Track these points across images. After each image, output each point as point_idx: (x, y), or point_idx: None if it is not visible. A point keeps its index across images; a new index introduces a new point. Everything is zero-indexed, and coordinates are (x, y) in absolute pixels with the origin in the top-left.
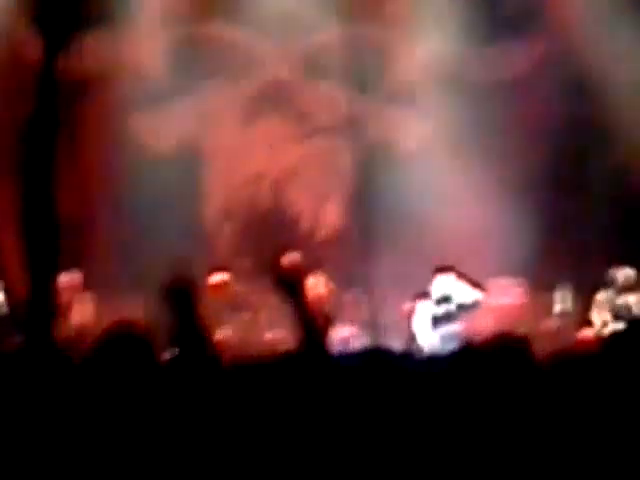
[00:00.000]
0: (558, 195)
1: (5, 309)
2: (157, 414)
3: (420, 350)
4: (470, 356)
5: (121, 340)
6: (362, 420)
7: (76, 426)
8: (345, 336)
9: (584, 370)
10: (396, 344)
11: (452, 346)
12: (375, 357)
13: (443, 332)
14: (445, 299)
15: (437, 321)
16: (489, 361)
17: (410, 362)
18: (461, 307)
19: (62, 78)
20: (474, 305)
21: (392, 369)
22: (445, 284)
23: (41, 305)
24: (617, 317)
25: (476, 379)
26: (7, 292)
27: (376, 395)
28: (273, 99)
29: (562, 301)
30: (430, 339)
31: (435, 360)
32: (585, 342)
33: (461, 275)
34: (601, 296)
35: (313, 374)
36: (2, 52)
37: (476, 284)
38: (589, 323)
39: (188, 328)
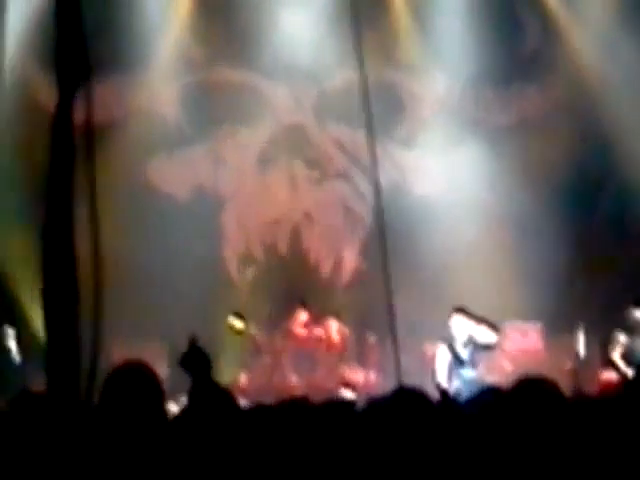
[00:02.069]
0: (574, 238)
1: (18, 358)
2: (168, 450)
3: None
4: (500, 398)
5: (128, 377)
6: (395, 463)
7: (89, 462)
8: (367, 380)
9: (607, 411)
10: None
11: (472, 389)
12: (410, 399)
13: (464, 375)
14: (465, 342)
15: (458, 364)
16: (519, 403)
17: (445, 404)
18: (479, 348)
19: (78, 125)
20: (490, 346)
21: (428, 411)
22: (463, 326)
23: (60, 354)
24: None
25: (507, 421)
26: (21, 341)
27: (410, 437)
28: (288, 144)
29: (583, 343)
30: (451, 382)
31: (467, 402)
32: (607, 384)
33: (475, 316)
34: (623, 338)
35: (340, 419)
36: (18, 100)
37: (491, 325)
38: (611, 365)
39: (204, 388)
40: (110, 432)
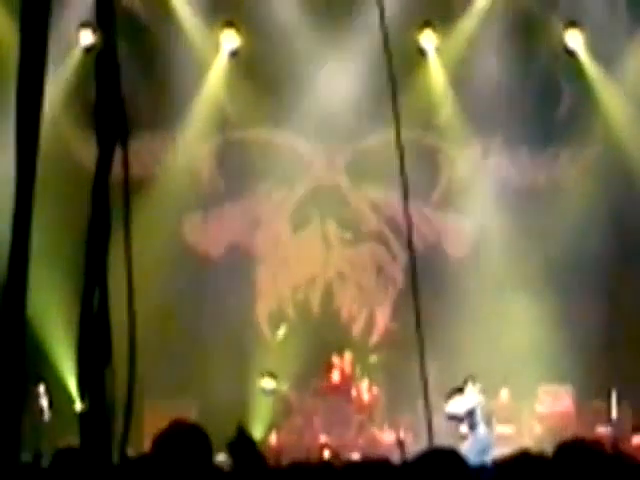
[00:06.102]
0: (608, 303)
1: (48, 414)
2: None
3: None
4: (538, 463)
5: (177, 437)
6: None
7: None
8: (397, 440)
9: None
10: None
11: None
12: (444, 459)
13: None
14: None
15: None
16: (562, 466)
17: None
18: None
19: (115, 180)
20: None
21: (463, 473)
22: (473, 394)
23: (93, 412)
24: None
25: None
26: (51, 398)
27: None
28: (322, 203)
29: (616, 408)
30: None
31: (502, 465)
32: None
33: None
34: None
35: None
36: (58, 158)
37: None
38: None
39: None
40: None
